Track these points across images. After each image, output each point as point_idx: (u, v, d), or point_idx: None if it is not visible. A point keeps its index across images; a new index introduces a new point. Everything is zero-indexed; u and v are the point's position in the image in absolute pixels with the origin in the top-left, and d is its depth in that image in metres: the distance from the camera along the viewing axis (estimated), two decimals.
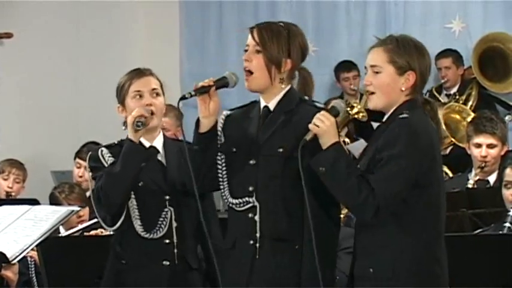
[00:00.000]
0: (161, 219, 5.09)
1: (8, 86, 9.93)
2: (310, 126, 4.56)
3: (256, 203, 4.78)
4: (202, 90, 4.75)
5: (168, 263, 5.09)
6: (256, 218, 4.77)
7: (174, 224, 5.09)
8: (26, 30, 10.01)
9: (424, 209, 4.57)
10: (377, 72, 4.63)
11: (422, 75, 4.66)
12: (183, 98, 4.78)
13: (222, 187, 4.88)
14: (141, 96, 5.17)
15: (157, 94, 5.19)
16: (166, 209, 5.11)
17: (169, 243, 5.09)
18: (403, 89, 4.61)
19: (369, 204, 4.44)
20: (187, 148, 4.78)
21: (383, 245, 4.55)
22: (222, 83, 4.85)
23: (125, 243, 5.19)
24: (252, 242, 4.78)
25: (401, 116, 4.56)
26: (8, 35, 9.96)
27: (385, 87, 4.63)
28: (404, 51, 4.64)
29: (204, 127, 4.80)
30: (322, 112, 4.60)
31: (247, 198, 4.80)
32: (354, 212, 4.68)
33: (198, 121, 4.84)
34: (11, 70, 9.93)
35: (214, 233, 5.08)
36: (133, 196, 5.11)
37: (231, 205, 4.86)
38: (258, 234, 4.77)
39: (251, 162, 4.81)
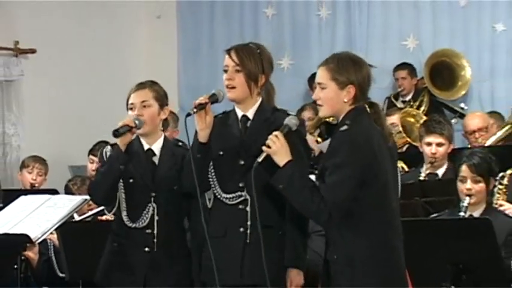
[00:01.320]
0: (144, 212, 5.07)
1: (32, 94, 9.90)
2: (264, 148, 4.56)
3: (248, 197, 4.81)
4: (201, 107, 4.76)
5: (148, 249, 5.07)
6: (248, 209, 4.81)
7: (156, 218, 5.06)
8: (47, 46, 9.97)
9: (374, 204, 4.55)
10: (323, 88, 4.65)
11: (361, 86, 4.64)
12: (188, 114, 4.78)
13: (213, 185, 4.89)
14: (132, 108, 5.15)
15: (146, 106, 5.12)
16: (149, 204, 5.08)
17: (150, 233, 5.07)
18: (346, 100, 4.61)
19: (321, 211, 4.46)
20: (192, 158, 4.79)
21: (343, 236, 4.54)
22: (213, 99, 4.85)
23: (117, 229, 5.21)
24: (242, 229, 4.83)
25: (341, 129, 4.58)
26: (32, 51, 9.93)
27: (329, 100, 4.65)
28: (343, 68, 4.64)
29: (203, 138, 4.83)
30: (274, 133, 4.60)
31: (239, 193, 4.84)
32: (311, 218, 4.70)
33: (195, 135, 4.86)
34: (34, 80, 9.89)
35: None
36: (123, 190, 5.12)
37: (223, 200, 4.87)
38: (249, 223, 4.81)
39: (241, 162, 4.84)
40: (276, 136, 4.59)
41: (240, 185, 4.83)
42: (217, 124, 4.92)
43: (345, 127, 4.57)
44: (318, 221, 4.61)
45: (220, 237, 4.85)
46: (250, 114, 4.91)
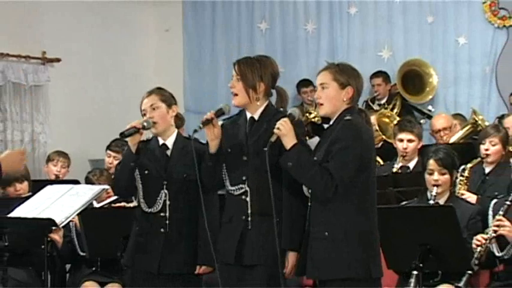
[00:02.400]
0: (158, 198, 5.11)
1: (57, 97, 9.89)
2: (275, 130, 4.59)
3: (248, 188, 4.83)
4: (208, 123, 4.80)
5: (163, 230, 5.09)
6: (248, 199, 4.82)
7: (168, 202, 5.09)
8: (70, 56, 9.95)
9: (362, 187, 4.59)
10: (325, 88, 4.66)
11: (358, 90, 4.70)
12: (195, 131, 4.87)
13: (224, 179, 4.93)
14: (145, 114, 5.19)
15: (155, 108, 5.17)
16: (162, 191, 5.11)
17: (164, 216, 5.10)
18: (345, 99, 4.64)
19: (329, 185, 4.47)
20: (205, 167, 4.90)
21: (333, 213, 4.56)
22: (219, 113, 4.90)
23: (138, 215, 5.23)
24: (244, 217, 4.83)
25: (345, 118, 4.60)
26: (57, 60, 9.91)
27: (331, 98, 4.66)
28: (344, 72, 4.69)
29: (213, 148, 4.87)
30: (283, 119, 4.63)
31: (241, 185, 4.86)
32: (318, 193, 4.60)
33: (206, 145, 4.92)
34: (59, 85, 9.87)
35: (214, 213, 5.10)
36: (140, 181, 5.16)
37: (229, 191, 4.91)
38: (249, 211, 4.82)
39: (244, 158, 4.86)
40: (285, 121, 4.62)
41: (243, 178, 4.84)
42: (229, 125, 4.97)
43: (348, 117, 4.61)
44: (326, 194, 4.53)
45: (226, 223, 4.90)
46: (256, 116, 4.93)
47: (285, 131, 4.60)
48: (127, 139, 5.09)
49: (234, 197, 4.90)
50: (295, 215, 4.83)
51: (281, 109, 5.00)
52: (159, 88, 5.34)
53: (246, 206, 4.84)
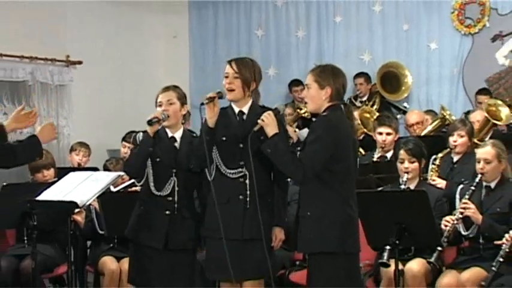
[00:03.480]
0: (167, 183, 5.10)
1: (79, 95, 9.89)
2: (259, 121, 4.68)
3: (246, 172, 4.84)
4: (211, 100, 4.83)
5: (168, 212, 5.09)
6: (247, 181, 4.84)
7: (176, 188, 5.09)
8: (90, 59, 9.93)
9: (340, 174, 4.61)
10: (308, 88, 4.71)
11: (337, 89, 4.70)
12: (202, 104, 4.87)
13: (218, 163, 4.92)
14: (161, 105, 5.18)
15: (171, 103, 5.18)
16: (171, 178, 5.11)
17: (171, 200, 5.10)
18: (324, 98, 4.67)
19: (299, 171, 4.54)
20: (205, 140, 4.85)
21: (316, 198, 4.58)
22: (220, 95, 4.92)
23: (144, 197, 5.22)
24: (242, 197, 4.85)
25: (322, 114, 4.67)
26: (79, 62, 9.89)
27: (312, 97, 4.71)
28: (324, 74, 4.71)
29: (212, 124, 4.87)
30: (268, 111, 4.73)
31: (240, 169, 4.88)
32: (290, 177, 4.80)
33: (205, 122, 4.90)
34: (81, 84, 9.86)
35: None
36: (151, 167, 5.15)
37: (226, 174, 4.90)
38: (248, 192, 4.84)
39: (240, 145, 4.87)
40: (269, 114, 4.69)
41: (241, 163, 4.86)
42: (220, 116, 4.94)
43: (324, 113, 4.66)
44: (295, 178, 4.68)
45: (224, 204, 4.87)
46: (245, 109, 4.96)
47: (268, 122, 4.67)
48: (148, 127, 5.08)
49: (231, 180, 4.90)
50: (283, 196, 4.93)
51: (264, 105, 5.05)
52: (176, 86, 5.34)
53: (245, 187, 4.86)
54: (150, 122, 5.05)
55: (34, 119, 5.06)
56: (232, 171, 4.89)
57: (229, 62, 4.99)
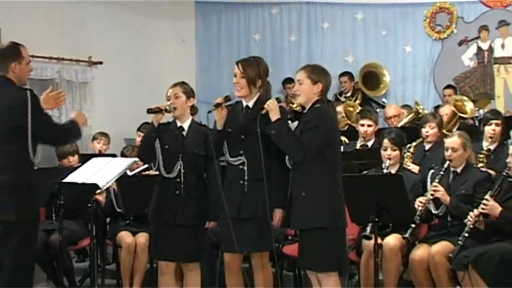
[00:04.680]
0: (175, 167, 5.09)
1: (100, 91, 9.89)
2: (265, 106, 4.66)
3: (245, 160, 4.84)
4: (218, 106, 4.83)
5: (178, 192, 5.09)
6: (245, 168, 4.84)
7: (182, 171, 5.08)
8: (109, 59, 9.93)
9: (332, 159, 4.60)
10: (301, 84, 4.68)
11: (326, 86, 4.71)
12: (209, 111, 4.90)
13: (224, 152, 4.94)
14: (169, 99, 5.19)
15: (177, 97, 5.19)
16: (178, 162, 5.09)
17: (179, 181, 5.08)
18: (315, 92, 4.66)
19: (300, 151, 4.51)
20: (212, 140, 4.93)
21: (310, 180, 4.57)
22: (227, 99, 4.92)
23: (159, 179, 5.22)
24: (241, 182, 4.85)
25: (316, 106, 4.63)
26: (100, 62, 9.90)
27: (305, 91, 4.68)
28: (316, 71, 4.71)
29: (220, 126, 4.89)
30: (271, 99, 4.72)
31: (239, 157, 4.87)
32: (292, 156, 4.67)
33: (215, 124, 4.93)
34: (101, 82, 9.86)
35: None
36: (160, 153, 5.14)
37: (229, 162, 4.92)
38: (246, 177, 4.84)
39: (242, 137, 4.87)
40: (273, 101, 4.69)
41: (241, 152, 4.85)
42: (230, 110, 4.95)
43: (317, 105, 4.63)
44: (297, 157, 4.59)
45: (228, 187, 4.89)
46: (250, 104, 4.95)
47: (272, 107, 4.65)
48: (152, 115, 5.09)
49: (234, 167, 4.90)
50: (281, 181, 4.85)
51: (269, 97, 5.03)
52: (183, 82, 5.33)
53: (243, 173, 4.85)
54: (149, 111, 5.09)
55: (62, 101, 5.02)
56: (234, 159, 4.89)
57: (237, 63, 4.97)
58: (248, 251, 4.91)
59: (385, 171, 5.79)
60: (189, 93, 5.26)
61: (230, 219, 4.79)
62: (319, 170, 4.56)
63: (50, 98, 4.92)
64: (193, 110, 5.39)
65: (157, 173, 5.36)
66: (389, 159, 5.83)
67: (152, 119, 5.15)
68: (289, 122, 4.97)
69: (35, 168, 4.75)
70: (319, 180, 4.56)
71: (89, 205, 5.62)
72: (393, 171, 5.82)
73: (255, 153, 4.75)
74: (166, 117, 5.30)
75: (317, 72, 4.71)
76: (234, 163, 4.89)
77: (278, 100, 4.75)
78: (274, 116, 4.64)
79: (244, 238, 4.80)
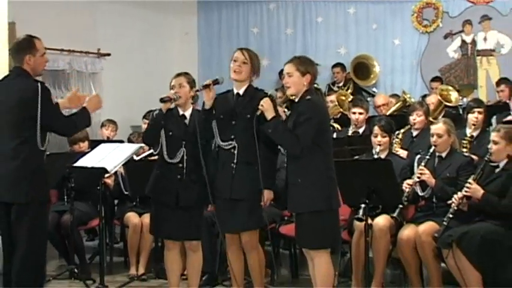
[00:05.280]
0: (178, 152, 5.04)
1: (108, 81, 9.87)
2: (259, 107, 4.62)
3: (236, 144, 4.80)
4: (206, 87, 4.84)
5: (179, 176, 5.04)
6: (235, 152, 4.80)
7: (185, 157, 5.03)
8: (117, 51, 9.93)
9: (325, 146, 4.58)
10: (290, 76, 4.64)
11: (314, 76, 4.67)
12: (197, 90, 4.99)
13: (215, 137, 4.90)
14: (173, 87, 5.15)
15: (181, 86, 5.13)
16: (181, 148, 5.04)
17: (181, 166, 5.03)
18: (305, 83, 4.62)
19: (297, 146, 4.49)
20: (201, 118, 4.94)
21: (305, 167, 4.55)
22: (215, 82, 4.93)
23: (161, 163, 5.16)
24: (232, 164, 4.81)
25: (307, 98, 4.58)
26: (108, 54, 9.88)
27: (295, 83, 4.63)
28: (304, 63, 4.66)
29: (207, 106, 4.87)
30: (265, 98, 4.66)
31: (230, 142, 4.83)
32: (290, 151, 4.65)
33: (203, 104, 4.90)
34: (109, 72, 9.84)
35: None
36: (164, 139, 5.09)
37: (221, 146, 4.88)
38: (235, 161, 4.80)
39: (233, 122, 4.83)
40: (266, 100, 4.64)
41: (232, 137, 4.82)
42: (221, 97, 4.94)
43: (308, 97, 4.59)
44: (294, 152, 4.56)
45: (219, 170, 4.87)
46: (241, 92, 4.91)
47: (266, 107, 4.61)
48: (162, 104, 5.05)
49: (225, 150, 4.86)
50: (269, 164, 4.84)
51: (258, 88, 5.00)
52: (186, 73, 5.28)
53: (233, 156, 4.82)
54: (162, 100, 5.03)
55: (82, 102, 4.99)
56: (225, 143, 4.86)
57: (241, 49, 4.96)
58: (238, 230, 4.88)
59: (375, 156, 5.78)
60: (192, 83, 5.22)
61: (223, 200, 4.80)
62: (314, 159, 4.53)
63: (74, 98, 4.93)
64: (194, 99, 5.36)
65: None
66: (380, 145, 5.82)
67: (161, 107, 5.08)
68: (286, 110, 4.96)
69: (47, 153, 4.74)
70: (314, 169, 4.53)
71: (98, 188, 5.62)
72: (383, 156, 5.80)
73: (245, 138, 4.74)
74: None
75: (305, 64, 4.66)
76: (225, 147, 4.86)
77: (271, 97, 4.71)
78: (270, 114, 4.60)
79: (235, 218, 4.79)
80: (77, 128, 4.95)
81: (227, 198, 4.81)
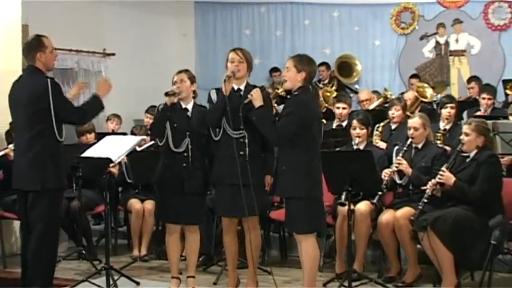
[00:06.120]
0: (183, 142, 5.02)
1: (112, 79, 9.43)
2: (249, 95, 4.64)
3: (245, 133, 4.79)
4: (229, 78, 4.82)
5: (185, 164, 5.01)
6: (246, 141, 4.79)
7: (190, 146, 5.01)
8: (121, 51, 9.92)
9: (308, 139, 4.57)
10: (288, 71, 4.63)
11: (310, 74, 4.65)
12: (224, 80, 4.81)
13: (225, 126, 4.86)
14: (175, 83, 5.14)
15: (183, 82, 5.12)
16: (186, 138, 5.02)
17: (186, 155, 5.01)
18: (299, 79, 4.60)
19: (275, 136, 4.55)
20: (218, 106, 4.88)
21: (289, 156, 4.57)
22: (233, 74, 4.86)
23: (166, 153, 5.13)
24: (242, 153, 4.78)
25: (295, 94, 4.60)
26: (113, 54, 9.86)
27: (291, 78, 4.63)
28: (301, 61, 4.64)
29: (228, 93, 4.82)
30: (255, 89, 4.68)
31: (241, 131, 4.80)
32: (269, 140, 4.72)
33: (222, 93, 4.83)
34: (114, 72, 9.77)
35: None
36: (170, 131, 5.06)
37: (230, 135, 4.83)
38: (247, 149, 4.78)
39: (240, 114, 4.76)
40: (256, 90, 4.65)
41: (241, 127, 4.79)
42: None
43: (296, 93, 4.60)
44: (272, 140, 4.64)
45: (229, 156, 4.81)
46: (242, 87, 4.91)
47: (255, 96, 4.63)
48: (166, 97, 5.03)
49: (234, 139, 4.81)
50: (270, 153, 4.87)
51: (255, 85, 5.00)
52: (187, 70, 5.27)
53: (244, 145, 4.79)
54: (166, 93, 5.01)
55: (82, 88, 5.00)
56: (235, 132, 4.81)
57: (235, 50, 4.94)
58: (250, 214, 4.82)
59: (354, 147, 5.78)
60: (192, 79, 5.21)
61: (229, 185, 4.77)
62: (296, 150, 4.53)
63: (80, 85, 4.98)
64: (194, 94, 5.35)
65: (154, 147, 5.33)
66: (359, 136, 5.82)
67: (166, 101, 5.06)
68: (275, 105, 4.95)
69: (60, 144, 4.77)
70: (297, 159, 4.53)
71: (104, 176, 5.60)
72: (361, 147, 5.81)
73: (253, 128, 4.72)
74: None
75: (302, 62, 4.64)
76: (235, 136, 4.81)
77: (263, 88, 4.72)
78: (258, 103, 4.61)
79: (242, 204, 4.74)
80: (89, 115, 4.96)
81: (235, 183, 4.75)
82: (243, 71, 4.88)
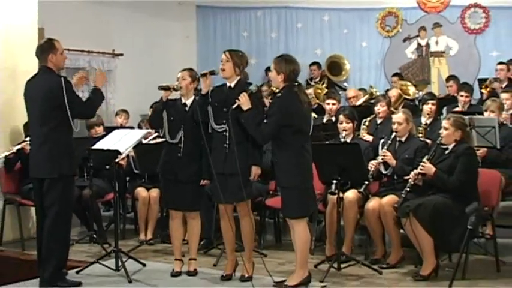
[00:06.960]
0: (178, 134, 5.00)
1: (121, 77, 9.85)
2: (237, 101, 4.61)
3: (227, 128, 4.73)
4: (204, 75, 4.82)
5: (180, 155, 5.00)
6: (227, 134, 4.73)
7: (183, 138, 4.99)
8: (129, 52, 9.89)
9: (295, 133, 4.53)
10: (271, 72, 4.64)
11: (289, 74, 4.57)
12: (201, 75, 4.86)
13: (211, 120, 4.83)
14: (178, 80, 5.12)
15: (184, 79, 5.10)
16: (180, 131, 5.00)
17: (181, 146, 5.00)
18: (279, 80, 4.57)
19: (260, 136, 4.57)
20: (197, 103, 4.89)
21: (280, 149, 4.57)
22: (212, 72, 4.86)
23: (165, 144, 5.14)
24: (225, 145, 4.74)
25: (277, 96, 4.58)
26: (122, 54, 9.83)
27: (273, 79, 4.64)
28: (279, 63, 4.60)
29: (204, 92, 4.84)
30: (242, 94, 4.63)
31: (223, 125, 4.76)
32: (256, 140, 4.67)
33: (200, 90, 4.86)
34: (122, 71, 9.80)
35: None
36: (167, 124, 5.06)
37: (215, 129, 4.81)
38: (228, 142, 4.73)
39: (224, 110, 4.75)
40: (244, 95, 4.60)
41: (224, 121, 4.74)
42: (218, 89, 4.89)
43: (279, 94, 4.57)
44: (258, 140, 4.64)
45: (214, 149, 4.80)
46: (232, 85, 4.84)
47: (242, 101, 4.60)
48: (162, 92, 5.03)
49: (218, 133, 4.80)
50: (256, 144, 4.78)
51: (248, 81, 4.97)
52: (191, 68, 5.25)
53: (225, 138, 4.75)
54: (160, 87, 5.02)
55: (85, 80, 4.99)
56: (219, 126, 4.79)
57: (225, 52, 4.89)
58: (232, 201, 4.82)
59: (342, 140, 5.76)
60: (194, 77, 5.16)
61: (217, 174, 4.73)
62: (283, 142, 4.53)
63: (100, 77, 4.96)
64: (196, 91, 5.31)
65: (164, 140, 5.31)
66: (345, 130, 5.80)
67: (162, 96, 5.07)
68: (271, 101, 4.91)
69: (73, 137, 4.80)
70: (285, 150, 4.53)
71: (113, 166, 5.57)
72: (348, 140, 5.80)
73: (236, 122, 4.67)
74: (175, 95, 5.23)
75: (280, 64, 4.58)
76: (219, 130, 4.79)
77: (249, 91, 4.66)
78: (245, 107, 4.59)
79: (229, 191, 4.73)
80: (96, 107, 4.94)
81: (220, 173, 4.74)
82: (228, 69, 4.81)
